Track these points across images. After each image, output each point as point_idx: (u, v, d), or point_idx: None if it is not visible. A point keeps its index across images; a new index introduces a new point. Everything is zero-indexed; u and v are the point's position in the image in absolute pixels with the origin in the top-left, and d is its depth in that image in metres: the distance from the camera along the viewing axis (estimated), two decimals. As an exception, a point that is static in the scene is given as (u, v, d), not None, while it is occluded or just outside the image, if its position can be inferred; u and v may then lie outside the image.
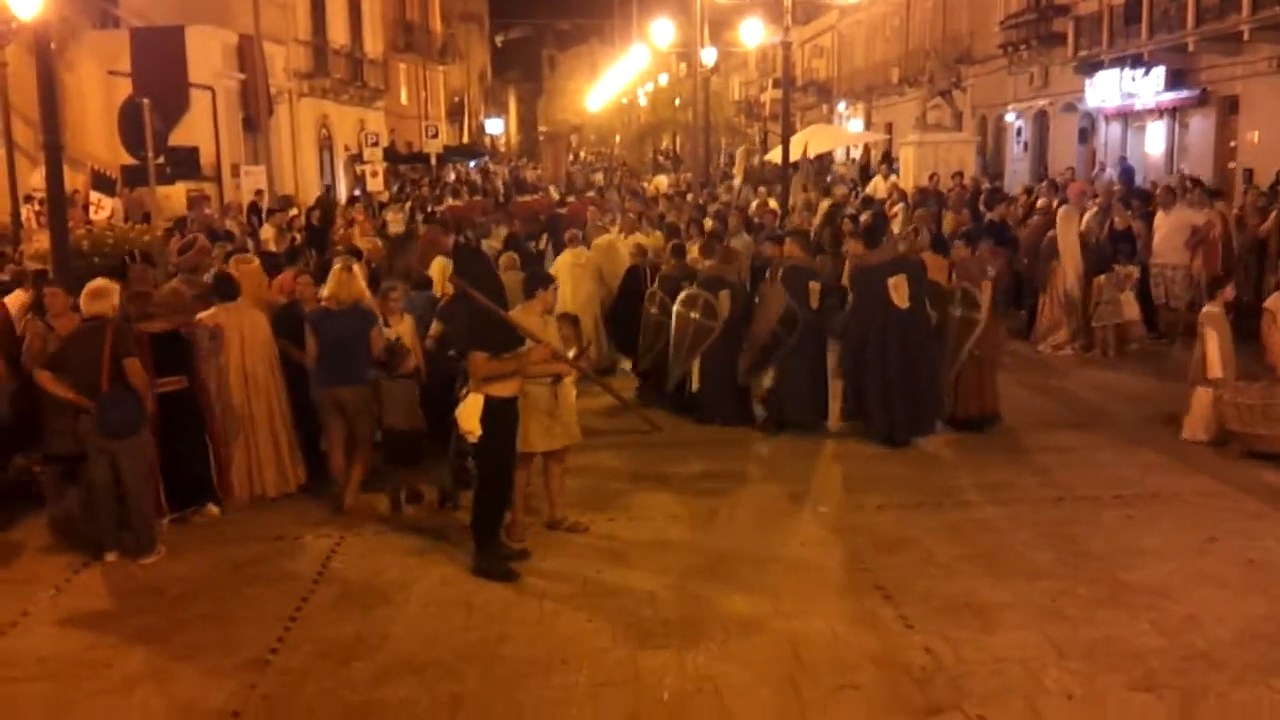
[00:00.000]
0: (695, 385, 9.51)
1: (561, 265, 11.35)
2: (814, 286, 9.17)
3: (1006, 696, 4.90)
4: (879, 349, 8.75)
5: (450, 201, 21.88)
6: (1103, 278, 12.04)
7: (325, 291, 7.74)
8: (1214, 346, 8.55)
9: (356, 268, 7.98)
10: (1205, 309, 8.96)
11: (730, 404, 9.44)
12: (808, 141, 22.32)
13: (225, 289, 7.84)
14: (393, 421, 7.51)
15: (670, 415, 9.45)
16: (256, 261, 9.31)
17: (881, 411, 8.82)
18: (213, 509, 7.44)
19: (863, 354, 8.88)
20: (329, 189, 27.31)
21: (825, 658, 5.30)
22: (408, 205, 20.57)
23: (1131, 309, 12.16)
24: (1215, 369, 8.51)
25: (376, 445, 7.75)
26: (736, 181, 25.05)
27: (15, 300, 8.46)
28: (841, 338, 9.39)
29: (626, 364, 10.93)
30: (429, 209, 20.03)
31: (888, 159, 28.48)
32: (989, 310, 9.15)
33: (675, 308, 9.51)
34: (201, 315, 7.65)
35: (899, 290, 8.68)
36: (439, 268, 10.41)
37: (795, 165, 20.48)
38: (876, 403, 8.83)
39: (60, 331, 7.13)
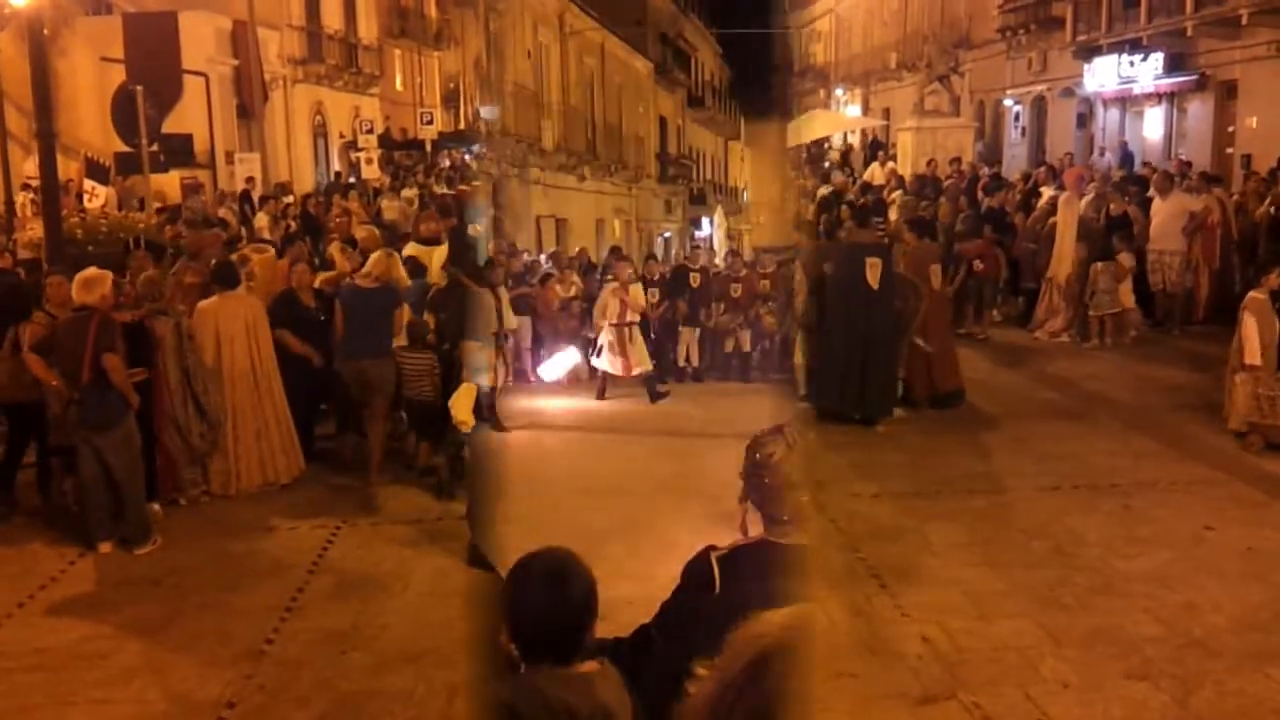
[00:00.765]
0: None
1: None
2: None
3: (1002, 685, 4.89)
4: (844, 328, 8.85)
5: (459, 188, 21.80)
6: (1099, 265, 11.98)
7: (365, 269, 8.15)
8: (1253, 332, 8.30)
9: (395, 255, 8.50)
10: (1249, 294, 8.73)
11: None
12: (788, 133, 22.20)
13: (226, 277, 7.80)
14: (414, 394, 7.76)
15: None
16: (271, 251, 9.34)
17: (847, 390, 8.87)
18: (155, 507, 7.15)
19: (829, 333, 8.98)
20: (339, 175, 27.14)
21: (821, 646, 5.28)
22: (416, 193, 20.43)
23: (1128, 299, 12.08)
24: (1254, 354, 8.27)
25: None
26: None
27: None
28: (807, 316, 9.49)
29: None
30: (437, 195, 19.92)
31: (876, 146, 28.26)
32: (935, 296, 9.36)
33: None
34: (203, 304, 7.62)
35: (873, 270, 8.83)
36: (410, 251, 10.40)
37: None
38: (840, 381, 8.89)
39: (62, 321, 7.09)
